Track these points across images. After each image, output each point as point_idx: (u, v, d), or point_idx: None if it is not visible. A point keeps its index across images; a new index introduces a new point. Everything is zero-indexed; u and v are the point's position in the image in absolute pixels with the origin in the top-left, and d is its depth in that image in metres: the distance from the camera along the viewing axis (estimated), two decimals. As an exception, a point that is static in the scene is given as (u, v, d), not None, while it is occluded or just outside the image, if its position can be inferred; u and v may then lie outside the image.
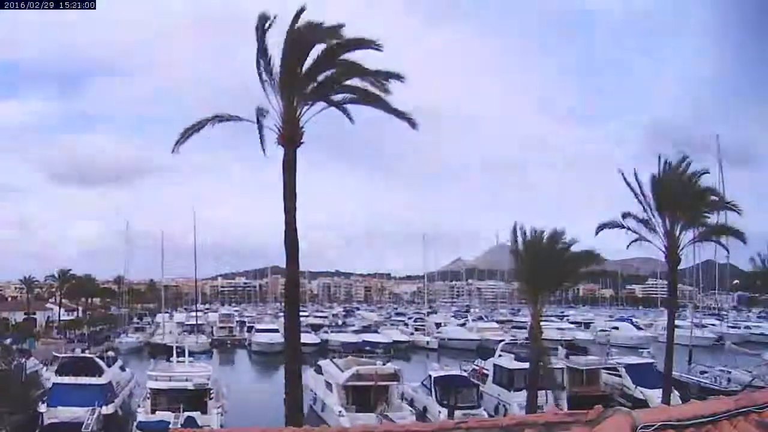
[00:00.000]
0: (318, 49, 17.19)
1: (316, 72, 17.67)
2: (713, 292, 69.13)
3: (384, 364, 27.76)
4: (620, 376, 30.25)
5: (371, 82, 17.61)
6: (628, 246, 26.12)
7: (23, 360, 30.88)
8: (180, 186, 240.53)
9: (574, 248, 23.69)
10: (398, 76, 17.51)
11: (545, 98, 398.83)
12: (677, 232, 24.82)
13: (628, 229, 25.69)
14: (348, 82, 18.17)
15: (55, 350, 37.99)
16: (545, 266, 22.84)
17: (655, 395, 26.19)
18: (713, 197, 25.50)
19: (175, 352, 29.85)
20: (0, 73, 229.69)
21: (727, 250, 27.51)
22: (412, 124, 18.29)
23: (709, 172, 26.92)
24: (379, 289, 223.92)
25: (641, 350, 36.45)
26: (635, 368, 30.25)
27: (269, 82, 17.65)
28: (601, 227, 25.81)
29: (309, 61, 17.37)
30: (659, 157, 25.70)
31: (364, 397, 25.89)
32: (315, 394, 28.34)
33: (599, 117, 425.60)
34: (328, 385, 27.19)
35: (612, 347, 38.13)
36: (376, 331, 62.85)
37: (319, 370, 29.47)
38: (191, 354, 31.52)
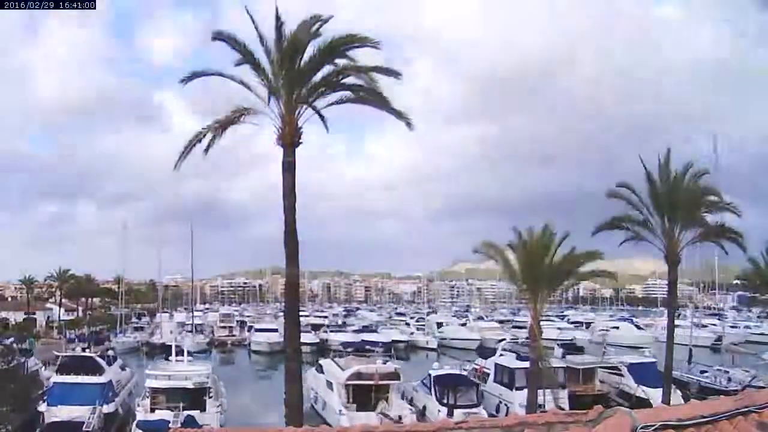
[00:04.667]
0: (316, 47, 17.21)
1: (314, 73, 17.70)
2: (713, 292, 69.19)
3: (384, 363, 27.80)
4: (622, 375, 30.27)
5: (367, 81, 17.58)
6: (620, 244, 25.99)
7: (24, 359, 30.86)
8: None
9: (573, 248, 23.68)
10: (396, 73, 17.57)
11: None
12: (676, 233, 24.80)
13: (627, 229, 25.65)
14: (347, 81, 18.18)
15: (56, 349, 37.94)
16: (542, 266, 22.82)
17: (657, 394, 26.17)
18: (712, 197, 25.44)
19: (174, 351, 29.80)
20: None
21: (726, 252, 27.42)
22: (409, 124, 18.34)
23: (708, 172, 26.89)
24: (379, 289, 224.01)
25: (642, 350, 36.45)
26: (638, 367, 30.25)
27: (266, 83, 17.68)
28: (599, 228, 25.72)
29: (306, 60, 17.37)
30: (657, 157, 25.69)
31: (364, 396, 25.94)
32: (316, 392, 28.40)
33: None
34: (329, 384, 27.24)
35: (612, 347, 38.16)
36: (375, 331, 62.88)
37: (320, 369, 29.55)
38: (189, 354, 31.50)
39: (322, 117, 18.91)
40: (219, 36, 17.26)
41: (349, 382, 25.89)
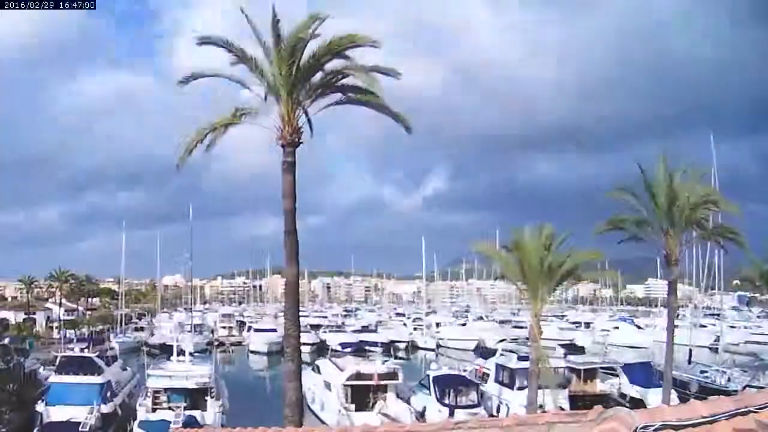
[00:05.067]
0: (315, 46, 17.19)
1: (313, 73, 17.68)
2: (713, 293, 69.08)
3: (383, 364, 27.81)
4: (617, 375, 30.30)
5: (367, 82, 17.53)
6: (619, 242, 25.94)
7: (22, 359, 30.87)
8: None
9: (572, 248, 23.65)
10: (396, 73, 17.58)
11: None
12: (676, 233, 24.75)
13: (626, 229, 25.60)
14: (346, 81, 18.17)
15: (54, 350, 37.95)
16: (542, 266, 22.78)
17: (651, 395, 26.21)
18: (712, 197, 25.41)
19: (175, 351, 29.80)
20: None
21: (726, 251, 27.43)
22: (407, 128, 18.35)
23: (707, 171, 26.88)
24: (379, 289, 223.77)
25: (641, 350, 36.56)
26: (632, 368, 30.33)
27: (265, 84, 17.65)
28: (598, 230, 25.62)
29: (306, 60, 17.34)
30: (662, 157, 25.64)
31: (363, 396, 25.94)
32: (313, 393, 28.40)
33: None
34: (327, 384, 27.20)
35: (611, 347, 38.23)
36: (375, 331, 62.89)
37: (316, 370, 29.51)
38: (190, 354, 31.50)
39: (310, 123, 18.82)
40: (207, 41, 17.14)
41: (349, 383, 25.88)
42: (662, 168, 25.16)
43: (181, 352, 29.75)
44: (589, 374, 30.50)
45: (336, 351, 38.83)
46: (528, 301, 24.41)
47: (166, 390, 25.06)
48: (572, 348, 37.05)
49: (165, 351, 36.30)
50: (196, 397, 24.61)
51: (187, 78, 17.89)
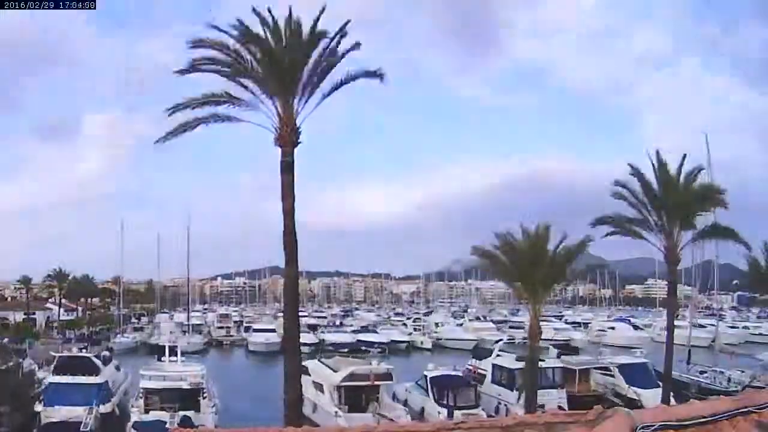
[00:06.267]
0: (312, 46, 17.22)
1: (311, 72, 17.70)
2: (713, 293, 69.21)
3: (379, 364, 27.65)
4: (613, 375, 30.17)
5: None
6: (606, 235, 25.58)
7: (20, 359, 30.82)
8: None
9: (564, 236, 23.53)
10: (381, 76, 17.73)
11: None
12: (676, 233, 24.73)
13: (626, 227, 25.56)
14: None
15: (53, 350, 37.89)
16: (540, 266, 22.71)
17: (648, 395, 26.16)
18: (712, 196, 25.38)
19: (167, 351, 29.51)
20: None
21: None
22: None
23: (703, 168, 26.88)
24: (378, 290, 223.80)
25: (635, 350, 36.44)
26: (628, 368, 30.19)
27: (263, 84, 17.62)
28: (598, 222, 25.46)
29: (303, 60, 17.37)
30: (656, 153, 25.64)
31: (356, 397, 25.76)
32: (303, 395, 27.99)
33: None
34: (318, 386, 26.87)
35: (606, 347, 38.09)
36: (374, 331, 62.92)
37: (304, 371, 29.04)
38: (184, 354, 31.35)
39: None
40: (199, 44, 17.09)
41: (343, 384, 25.67)
42: (661, 168, 25.17)
43: (173, 353, 29.55)
44: (584, 374, 30.40)
45: (329, 351, 38.50)
46: (526, 300, 24.35)
47: (159, 391, 24.90)
48: (566, 348, 36.90)
49: (157, 351, 36.13)
50: (189, 398, 24.47)
51: (185, 69, 17.83)
